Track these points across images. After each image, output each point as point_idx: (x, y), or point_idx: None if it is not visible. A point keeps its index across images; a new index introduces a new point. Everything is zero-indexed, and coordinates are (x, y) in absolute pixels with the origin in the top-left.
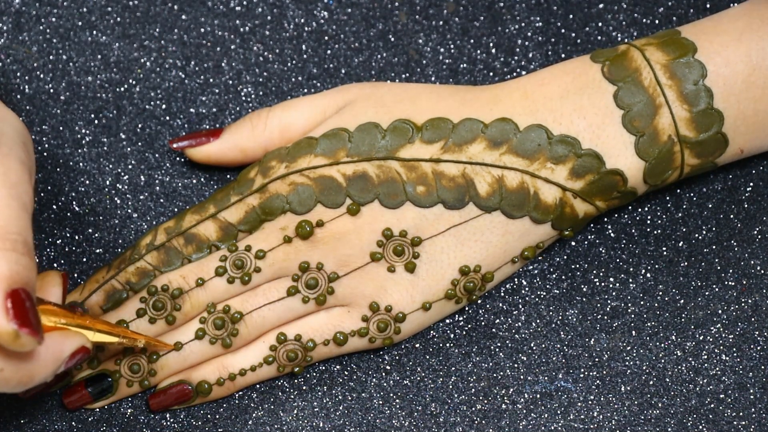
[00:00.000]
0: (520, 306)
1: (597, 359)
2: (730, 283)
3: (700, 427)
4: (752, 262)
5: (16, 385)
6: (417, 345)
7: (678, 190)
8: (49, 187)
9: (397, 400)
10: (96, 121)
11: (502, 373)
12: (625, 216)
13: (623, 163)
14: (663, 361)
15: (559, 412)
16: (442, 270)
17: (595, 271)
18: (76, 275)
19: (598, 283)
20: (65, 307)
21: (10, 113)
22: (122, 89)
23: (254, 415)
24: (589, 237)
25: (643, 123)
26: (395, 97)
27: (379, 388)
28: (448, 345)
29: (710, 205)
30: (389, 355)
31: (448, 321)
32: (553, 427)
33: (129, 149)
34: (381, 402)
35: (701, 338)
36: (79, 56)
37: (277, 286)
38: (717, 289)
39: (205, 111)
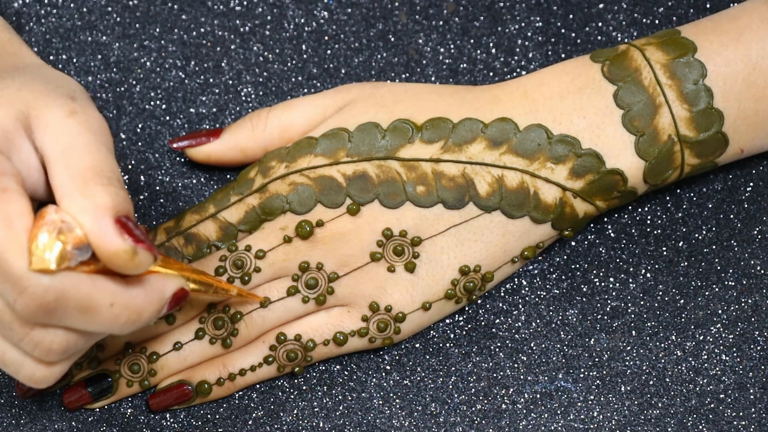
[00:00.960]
0: (520, 306)
1: (597, 359)
2: (730, 283)
3: (700, 427)
4: (752, 262)
5: (124, 323)
6: (417, 345)
7: (678, 190)
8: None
9: (397, 400)
10: None
11: (502, 373)
12: (625, 216)
13: (623, 162)
14: (663, 361)
15: (559, 412)
16: (442, 270)
17: (595, 271)
18: None
19: (598, 283)
20: (160, 253)
21: (70, 79)
22: (122, 89)
23: (254, 415)
24: (589, 237)
25: (643, 123)
26: (395, 96)
27: (379, 388)
28: (448, 345)
29: (710, 205)
30: (389, 355)
31: (448, 321)
32: (553, 427)
33: (129, 149)
34: (381, 402)
35: (701, 338)
36: (79, 56)
37: (277, 286)
38: (717, 289)
39: (205, 111)
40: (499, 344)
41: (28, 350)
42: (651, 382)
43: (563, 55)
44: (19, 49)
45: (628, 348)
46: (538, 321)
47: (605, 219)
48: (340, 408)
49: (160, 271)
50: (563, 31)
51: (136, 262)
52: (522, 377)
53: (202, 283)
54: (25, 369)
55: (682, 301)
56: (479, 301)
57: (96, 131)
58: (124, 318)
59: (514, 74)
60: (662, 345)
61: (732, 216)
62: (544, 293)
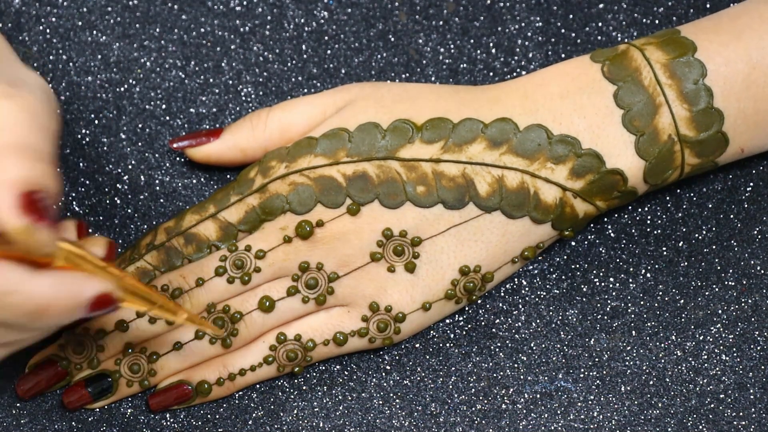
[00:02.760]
0: (520, 306)
1: (597, 359)
2: (730, 283)
3: (700, 427)
4: (752, 262)
5: (27, 314)
6: (417, 345)
7: (678, 190)
8: None
9: (397, 400)
10: (96, 121)
11: (502, 373)
12: (625, 216)
13: (623, 162)
14: (663, 361)
15: (559, 412)
16: (442, 270)
17: (595, 271)
18: None
19: (598, 283)
20: (103, 259)
21: (33, 73)
22: (122, 89)
23: (254, 415)
24: (589, 237)
25: (643, 122)
26: (395, 97)
27: (379, 388)
28: (448, 345)
29: (710, 205)
30: (389, 355)
31: (448, 321)
32: (553, 427)
33: (129, 149)
34: (381, 402)
35: (701, 338)
36: (79, 56)
37: (277, 286)
38: (717, 289)
39: (205, 111)
40: (499, 344)
41: None
42: (651, 382)
43: (563, 55)
44: None
45: (628, 348)
46: (538, 321)
47: (605, 219)
48: (340, 408)
49: (85, 271)
50: (563, 31)
51: (35, 239)
52: (522, 377)
53: (143, 297)
54: None
55: (682, 301)
56: (479, 301)
57: (33, 113)
58: (26, 308)
59: (514, 74)
60: (662, 345)
61: (732, 216)
62: (544, 293)
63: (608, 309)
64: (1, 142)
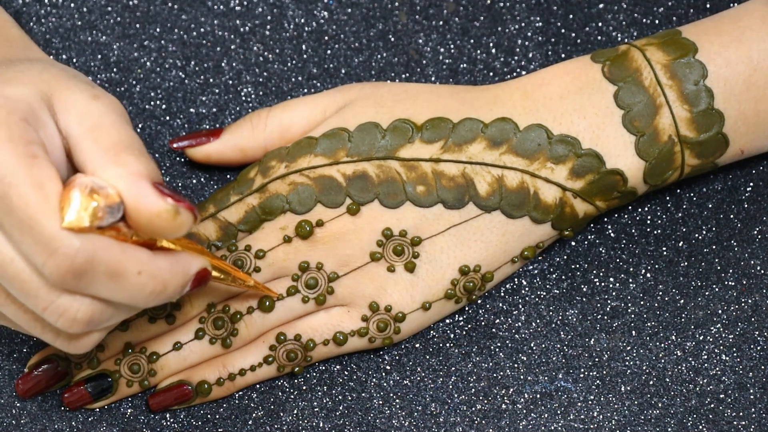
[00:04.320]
0: (520, 306)
1: (597, 359)
2: (730, 283)
3: (700, 427)
4: (752, 262)
5: (149, 294)
6: (417, 345)
7: (678, 190)
8: None
9: (397, 400)
10: None
11: (502, 373)
12: (625, 216)
13: (623, 163)
14: (663, 361)
15: (559, 412)
16: (442, 270)
17: (595, 271)
18: None
19: (598, 283)
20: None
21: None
22: (122, 89)
23: (254, 415)
24: (589, 237)
25: (644, 123)
26: (395, 96)
27: (379, 388)
28: (448, 345)
29: (710, 205)
30: (389, 355)
31: (448, 321)
32: (553, 427)
33: None
34: (381, 402)
35: (701, 338)
36: (79, 56)
37: (276, 286)
38: (717, 289)
39: (205, 111)
40: (499, 344)
41: (51, 321)
42: (651, 382)
43: (563, 55)
44: (30, 45)
45: (628, 348)
46: (538, 321)
47: (605, 219)
48: (340, 408)
49: (187, 249)
50: (563, 31)
51: (178, 222)
52: (522, 377)
53: (221, 269)
54: (59, 341)
55: (682, 301)
56: (479, 301)
57: (120, 113)
58: (150, 287)
59: (514, 74)
60: (662, 345)
61: (732, 216)
62: (544, 293)
63: (608, 309)
64: (110, 141)
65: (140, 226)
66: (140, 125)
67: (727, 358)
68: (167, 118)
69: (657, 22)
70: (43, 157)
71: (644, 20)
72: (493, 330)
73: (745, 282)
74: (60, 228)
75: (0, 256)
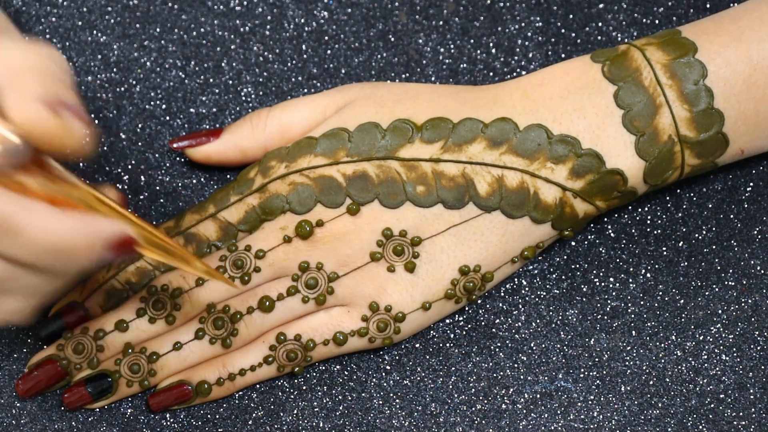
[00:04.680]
0: (520, 306)
1: (597, 359)
2: (730, 283)
3: (700, 427)
4: (752, 262)
5: (51, 252)
6: (417, 345)
7: (678, 190)
8: None
9: (397, 400)
10: (96, 121)
11: (502, 373)
12: (625, 216)
13: (623, 162)
14: (663, 361)
15: (559, 412)
16: (442, 270)
17: (595, 271)
18: None
19: (598, 283)
20: (122, 205)
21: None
22: (122, 89)
23: (254, 415)
24: (589, 237)
25: (644, 123)
26: (395, 96)
27: (379, 388)
28: (448, 345)
29: (710, 205)
30: (389, 355)
31: (448, 321)
32: (553, 427)
33: (129, 149)
34: (381, 402)
35: (701, 338)
36: (79, 56)
37: (276, 286)
38: (717, 289)
39: (205, 111)
40: (499, 344)
41: None
42: (651, 382)
43: (563, 55)
44: None
45: (628, 348)
46: (538, 321)
47: (605, 219)
48: (340, 408)
49: (103, 213)
50: (563, 31)
51: (71, 134)
52: (522, 377)
53: (161, 247)
54: None
55: (682, 301)
56: (479, 301)
57: (53, 58)
58: (50, 244)
59: (514, 74)
60: (662, 345)
61: (732, 216)
62: (544, 293)
63: (608, 309)
64: (15, 67)
65: (44, 150)
66: (140, 125)
67: (727, 358)
68: (167, 118)
69: (657, 22)
70: None
71: (644, 20)
72: (493, 330)
73: (745, 282)
74: None
75: None
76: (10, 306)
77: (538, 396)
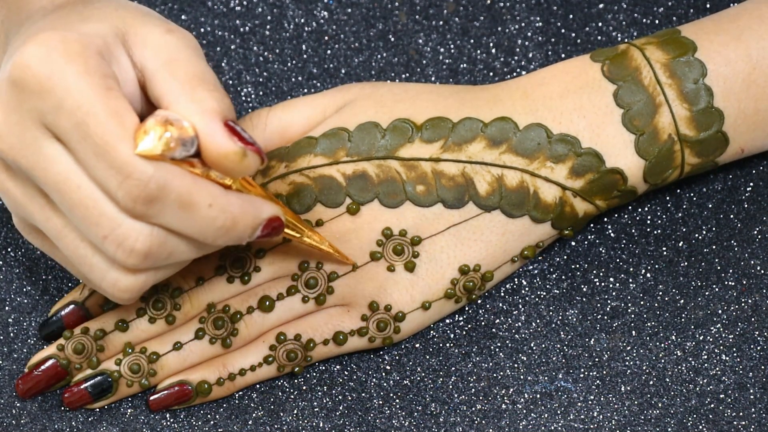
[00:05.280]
0: (520, 306)
1: (597, 359)
2: (730, 283)
3: (700, 427)
4: (752, 262)
5: (219, 228)
6: (417, 345)
7: (678, 190)
8: None
9: (397, 400)
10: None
11: (502, 373)
12: (625, 216)
13: (623, 162)
14: (663, 361)
15: (559, 412)
16: (442, 269)
17: (595, 271)
18: None
19: (598, 283)
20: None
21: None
22: None
23: (254, 415)
24: (589, 237)
25: (643, 122)
26: (395, 96)
27: (379, 388)
28: (448, 345)
29: (710, 205)
30: (389, 355)
31: (448, 321)
32: (553, 427)
33: None
34: (381, 402)
35: (701, 338)
36: None
37: (276, 286)
38: (717, 289)
39: None
40: (499, 344)
41: (110, 251)
42: (651, 382)
43: (563, 55)
44: None
45: (628, 348)
46: (538, 321)
47: (605, 219)
48: (340, 408)
49: (263, 196)
50: (563, 31)
51: (245, 164)
52: (522, 377)
53: (296, 227)
54: (109, 275)
55: (682, 301)
56: (479, 301)
57: (194, 47)
58: (220, 222)
59: (514, 74)
60: (662, 345)
61: (732, 216)
62: (544, 293)
63: (608, 309)
64: (186, 74)
65: (210, 163)
66: None
67: (727, 358)
68: None
69: (657, 22)
70: (118, 90)
71: (644, 20)
72: (493, 330)
73: (745, 282)
74: (134, 154)
75: (67, 183)
76: (140, 283)
77: (538, 396)
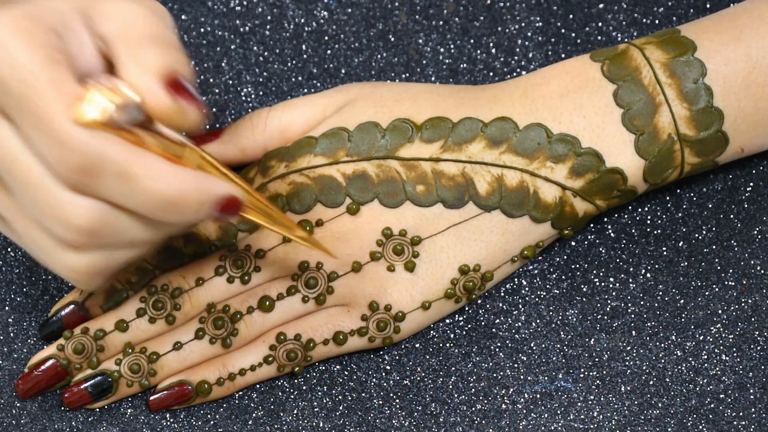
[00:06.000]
0: (520, 306)
1: (597, 359)
2: (730, 283)
3: (700, 427)
4: (752, 262)
5: (163, 204)
6: (417, 345)
7: (678, 190)
8: None
9: (397, 400)
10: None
11: (502, 373)
12: (625, 216)
13: (623, 161)
14: (663, 361)
15: (559, 412)
16: (442, 269)
17: (595, 271)
18: None
19: (598, 283)
20: (228, 166)
21: None
22: None
23: (254, 415)
24: (589, 237)
25: (643, 121)
26: (395, 96)
27: (379, 388)
28: (448, 345)
29: (710, 205)
30: (389, 355)
31: (448, 321)
32: (553, 427)
33: None
34: (381, 402)
35: (701, 338)
36: None
37: (276, 286)
38: (717, 289)
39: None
40: (499, 344)
41: (53, 228)
42: (651, 382)
43: (563, 55)
44: None
45: (628, 348)
46: (538, 321)
47: (605, 219)
48: (340, 408)
49: (215, 174)
50: (563, 31)
51: (186, 119)
52: (522, 377)
53: (263, 211)
54: (58, 255)
55: (682, 301)
56: (479, 301)
57: (160, 14)
58: (163, 195)
59: (514, 74)
60: (662, 345)
61: (732, 216)
62: (544, 293)
63: (608, 309)
64: (136, 34)
65: (158, 121)
66: None
67: (727, 358)
68: None
69: (657, 22)
70: (65, 64)
71: (644, 20)
72: (493, 330)
73: (745, 282)
74: (71, 122)
75: (15, 164)
76: (92, 261)
77: (538, 396)
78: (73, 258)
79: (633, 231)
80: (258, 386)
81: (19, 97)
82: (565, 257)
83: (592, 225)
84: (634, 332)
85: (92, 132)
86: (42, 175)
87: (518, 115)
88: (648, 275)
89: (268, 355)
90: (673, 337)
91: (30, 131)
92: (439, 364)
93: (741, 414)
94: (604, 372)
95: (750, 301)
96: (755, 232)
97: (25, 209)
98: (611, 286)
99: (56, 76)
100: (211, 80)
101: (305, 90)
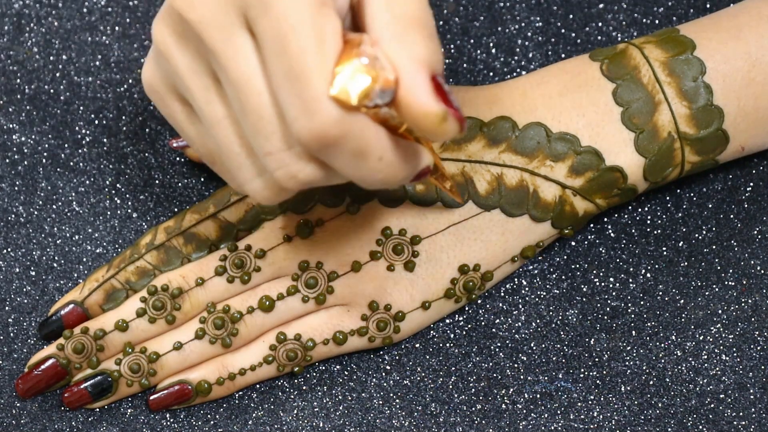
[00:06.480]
0: (520, 306)
1: (597, 359)
2: (730, 283)
3: (700, 427)
4: (752, 262)
5: (379, 179)
6: (417, 345)
7: (678, 190)
8: (49, 187)
9: (397, 400)
10: (96, 121)
11: (502, 373)
12: (625, 216)
13: (623, 160)
14: (663, 361)
15: (559, 412)
16: (442, 269)
17: (595, 271)
18: (75, 275)
19: (598, 283)
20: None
21: None
22: (122, 89)
23: (254, 415)
24: (589, 237)
25: (643, 120)
26: None
27: (379, 388)
28: (448, 345)
29: (710, 205)
30: (389, 355)
31: (448, 321)
32: (553, 427)
33: (129, 149)
34: (381, 402)
35: (701, 338)
36: (79, 56)
37: (276, 286)
38: (717, 289)
39: None
40: (499, 344)
41: (271, 167)
42: (651, 382)
43: (563, 55)
44: None
45: (628, 348)
46: (538, 321)
47: (605, 219)
48: (340, 408)
49: (420, 143)
50: (563, 31)
51: (442, 128)
52: (522, 377)
53: (437, 170)
54: (255, 182)
55: (682, 301)
56: (479, 301)
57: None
58: (383, 174)
59: (514, 74)
60: (662, 345)
61: (732, 216)
62: (544, 293)
63: (608, 309)
64: (403, 11)
65: (404, 115)
66: (140, 125)
67: (727, 358)
68: None
69: (657, 22)
70: (332, 7)
71: (644, 20)
72: (493, 330)
73: (745, 282)
74: (326, 93)
75: (248, 85)
76: (287, 197)
77: (538, 396)
78: (270, 192)
79: (633, 231)
80: (258, 386)
81: (278, 36)
82: (565, 257)
83: (592, 225)
84: (634, 332)
85: (344, 112)
86: (277, 117)
87: (518, 114)
88: (648, 275)
89: (268, 355)
90: (673, 337)
91: (279, 76)
92: (439, 364)
93: (741, 414)
94: (604, 372)
95: (750, 301)
96: (755, 232)
97: (237, 125)
98: (611, 286)
99: (322, 26)
100: None
101: None
